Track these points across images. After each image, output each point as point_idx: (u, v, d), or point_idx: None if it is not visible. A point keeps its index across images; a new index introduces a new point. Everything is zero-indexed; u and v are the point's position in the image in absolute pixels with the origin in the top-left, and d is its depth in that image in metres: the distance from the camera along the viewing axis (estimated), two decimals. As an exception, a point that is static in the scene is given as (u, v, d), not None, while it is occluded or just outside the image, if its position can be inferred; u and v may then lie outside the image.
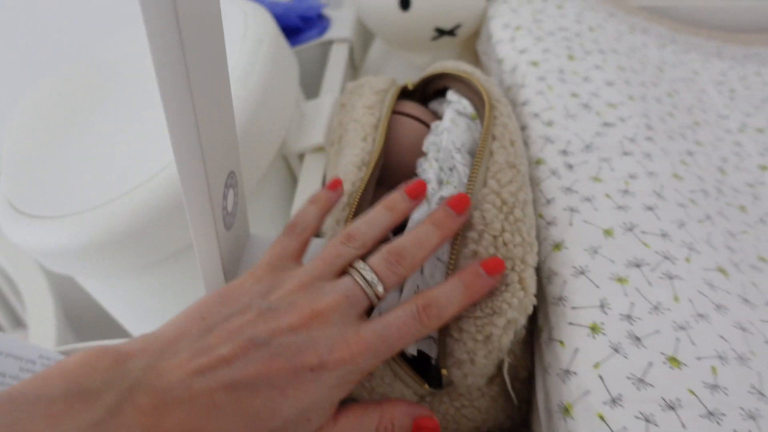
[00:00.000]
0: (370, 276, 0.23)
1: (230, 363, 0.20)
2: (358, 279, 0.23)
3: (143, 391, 0.18)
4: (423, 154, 0.32)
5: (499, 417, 0.30)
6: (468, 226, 0.26)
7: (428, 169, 0.30)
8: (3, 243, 0.67)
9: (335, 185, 0.29)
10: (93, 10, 0.63)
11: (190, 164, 0.22)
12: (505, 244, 0.25)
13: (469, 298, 0.24)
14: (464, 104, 0.33)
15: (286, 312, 0.22)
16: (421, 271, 0.26)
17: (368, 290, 0.23)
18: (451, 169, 0.29)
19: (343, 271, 0.24)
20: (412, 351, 0.26)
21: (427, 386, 0.27)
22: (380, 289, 0.24)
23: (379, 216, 0.26)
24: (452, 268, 0.25)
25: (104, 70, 0.44)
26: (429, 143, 0.31)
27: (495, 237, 0.25)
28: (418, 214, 0.28)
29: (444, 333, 0.26)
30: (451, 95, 0.34)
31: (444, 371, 0.27)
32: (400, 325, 0.23)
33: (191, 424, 0.19)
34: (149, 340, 0.21)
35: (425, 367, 0.28)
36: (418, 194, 0.27)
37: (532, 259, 0.26)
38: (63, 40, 0.60)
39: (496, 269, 0.24)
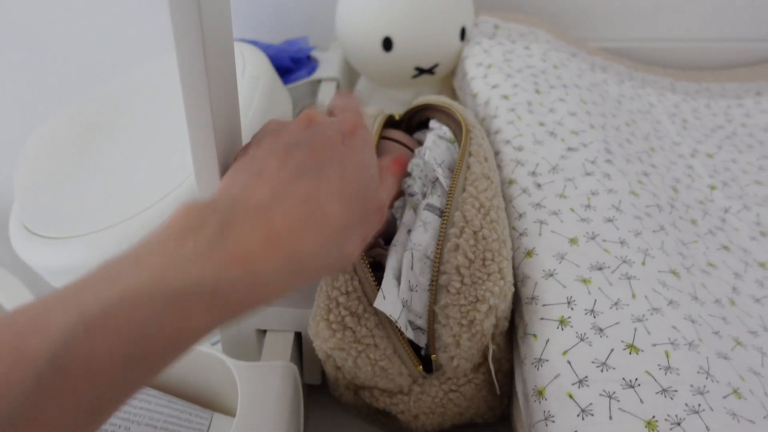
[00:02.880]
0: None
1: (286, 166, 0.23)
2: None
3: (242, 212, 0.21)
4: (408, 174, 0.35)
5: (482, 407, 0.32)
6: (450, 224, 0.29)
7: (413, 185, 0.33)
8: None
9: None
10: (106, 51, 0.67)
11: (208, 180, 0.26)
12: (484, 238, 0.29)
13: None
14: (444, 130, 0.37)
15: (291, 125, 0.26)
16: (411, 267, 0.29)
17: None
18: (433, 183, 0.32)
19: None
20: (409, 335, 0.29)
21: (421, 368, 0.30)
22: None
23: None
24: (437, 262, 0.29)
25: (113, 105, 0.47)
26: (413, 164, 0.35)
27: (475, 232, 0.29)
28: (407, 219, 0.31)
29: (432, 321, 0.29)
30: (433, 123, 0.39)
31: (434, 356, 0.30)
32: (353, 100, 0.29)
33: (296, 215, 0.21)
34: (215, 193, 0.24)
35: (419, 355, 0.31)
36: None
37: (507, 253, 0.30)
38: (77, 77, 0.64)
39: None
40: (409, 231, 0.31)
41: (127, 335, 0.16)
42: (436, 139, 0.35)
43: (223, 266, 0.19)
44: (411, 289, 0.29)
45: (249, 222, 0.20)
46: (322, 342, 0.30)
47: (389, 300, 0.28)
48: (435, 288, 0.29)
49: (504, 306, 0.29)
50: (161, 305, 0.17)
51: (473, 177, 0.31)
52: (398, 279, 0.29)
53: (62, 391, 0.15)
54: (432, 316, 0.29)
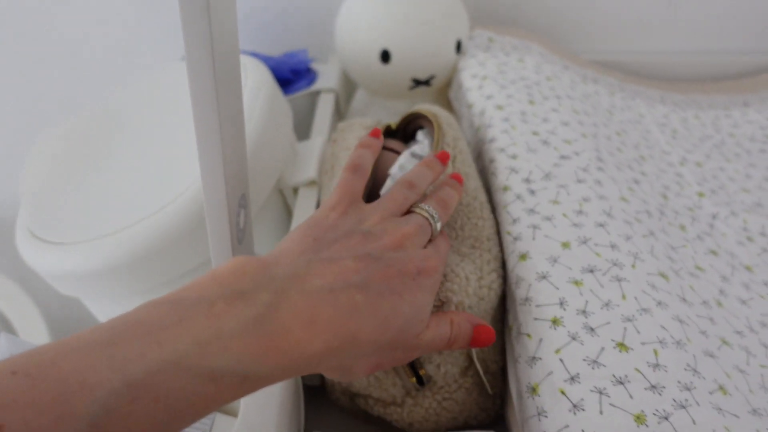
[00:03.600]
0: (435, 213, 0.30)
1: (358, 272, 0.23)
2: (426, 215, 0.29)
3: (294, 293, 0.21)
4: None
5: (474, 409, 0.33)
6: None
7: None
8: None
9: (376, 133, 0.35)
10: (111, 60, 0.68)
11: (215, 184, 0.27)
12: None
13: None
14: (425, 144, 0.38)
15: (382, 236, 0.26)
16: None
17: (433, 224, 0.29)
18: None
19: (407, 211, 0.30)
20: None
21: (414, 380, 0.31)
22: (439, 225, 0.30)
23: (425, 172, 0.32)
24: None
25: (118, 112, 0.49)
26: (385, 187, 0.36)
27: None
28: None
29: None
30: (419, 135, 0.40)
31: (422, 371, 0.31)
32: (446, 246, 0.30)
33: (338, 320, 0.21)
34: (277, 255, 0.24)
35: (413, 368, 0.32)
36: (445, 160, 0.34)
37: (452, 260, 0.32)
38: (81, 85, 0.65)
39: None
40: None
41: (164, 403, 0.17)
42: (409, 157, 0.36)
43: (260, 351, 0.19)
44: None
45: (298, 303, 0.21)
46: None
47: None
48: None
49: (469, 302, 0.30)
50: (198, 381, 0.18)
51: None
52: None
53: None
54: None
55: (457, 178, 0.34)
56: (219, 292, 0.20)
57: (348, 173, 0.31)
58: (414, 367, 0.31)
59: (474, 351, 0.31)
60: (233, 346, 0.19)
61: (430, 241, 0.29)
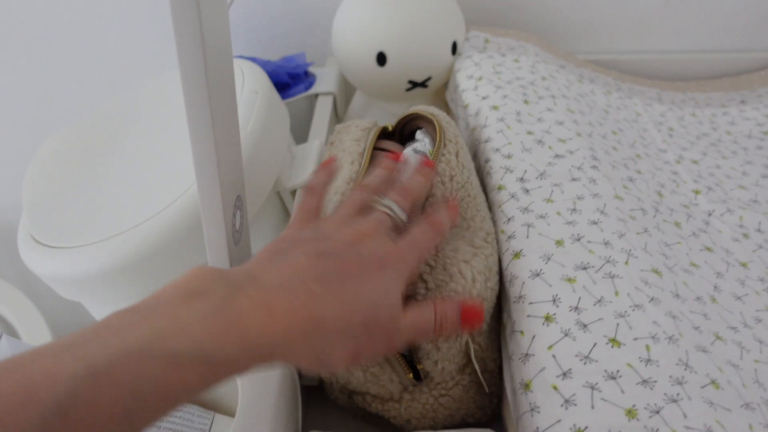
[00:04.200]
0: (393, 204, 0.29)
1: (314, 267, 0.24)
2: (383, 208, 0.29)
3: (250, 287, 0.22)
4: None
5: (471, 407, 0.34)
6: None
7: None
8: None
9: (329, 161, 0.35)
10: (111, 67, 0.69)
11: (210, 186, 0.27)
12: (441, 249, 0.31)
13: (453, 219, 0.31)
14: (426, 142, 0.39)
15: (338, 236, 0.27)
16: None
17: (394, 214, 0.29)
18: None
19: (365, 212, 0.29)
20: None
21: (411, 375, 0.31)
22: (402, 213, 0.29)
23: (380, 172, 0.32)
24: None
25: (118, 118, 0.49)
26: None
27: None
28: None
29: None
30: (418, 134, 0.40)
31: (420, 366, 0.31)
32: (424, 233, 0.28)
33: (296, 308, 0.22)
34: (235, 267, 0.24)
35: (410, 364, 0.32)
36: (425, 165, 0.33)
37: (462, 256, 0.32)
38: (83, 91, 0.66)
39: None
40: None
41: (128, 388, 0.17)
42: (411, 153, 0.37)
43: (220, 335, 0.20)
44: None
45: (253, 296, 0.22)
46: None
47: None
48: (404, 299, 0.30)
49: None
50: (159, 365, 0.18)
51: (433, 200, 0.34)
52: None
53: None
54: None
55: (428, 164, 0.33)
56: (176, 294, 0.21)
57: (303, 194, 0.32)
58: (412, 362, 0.32)
59: (472, 348, 0.32)
60: (191, 330, 0.20)
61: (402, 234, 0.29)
